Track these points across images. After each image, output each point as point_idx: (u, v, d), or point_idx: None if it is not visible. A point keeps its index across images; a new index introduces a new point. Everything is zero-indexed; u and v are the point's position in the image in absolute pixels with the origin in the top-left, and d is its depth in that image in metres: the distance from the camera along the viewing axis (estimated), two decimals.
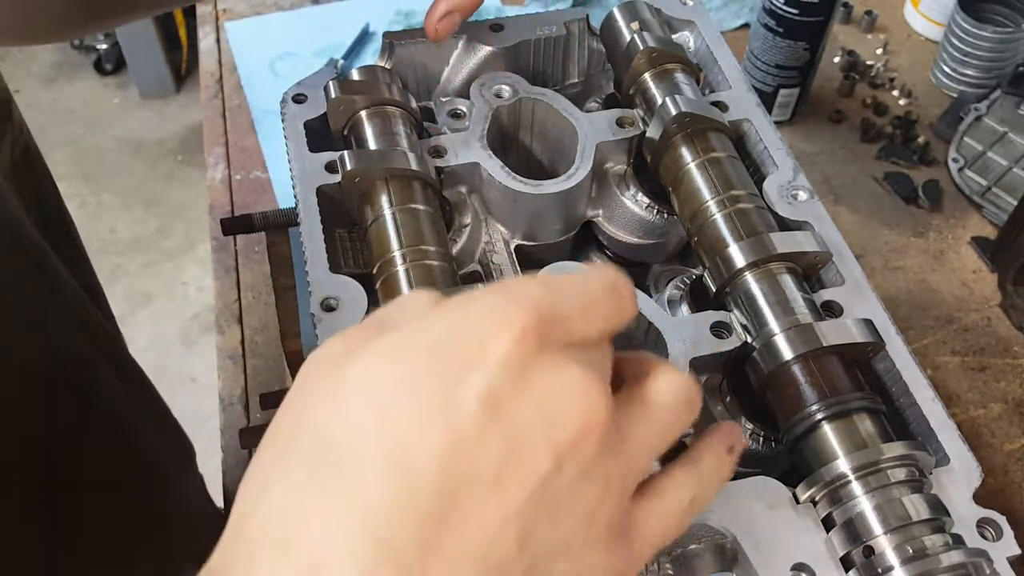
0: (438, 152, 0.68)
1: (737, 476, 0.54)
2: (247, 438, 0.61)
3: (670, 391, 0.40)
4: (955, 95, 1.27)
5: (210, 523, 1.01)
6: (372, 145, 0.66)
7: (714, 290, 0.61)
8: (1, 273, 0.73)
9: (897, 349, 0.58)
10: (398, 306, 0.38)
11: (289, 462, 0.34)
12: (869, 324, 0.58)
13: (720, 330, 0.59)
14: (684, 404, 0.40)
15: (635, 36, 0.70)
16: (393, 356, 0.35)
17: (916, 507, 0.50)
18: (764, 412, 0.59)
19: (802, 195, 0.65)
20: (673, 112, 0.65)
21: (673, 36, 0.75)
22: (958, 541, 0.50)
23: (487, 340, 0.34)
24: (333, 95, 0.68)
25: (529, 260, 0.69)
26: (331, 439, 0.33)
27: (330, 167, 0.65)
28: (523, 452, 0.34)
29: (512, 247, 0.70)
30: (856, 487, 0.51)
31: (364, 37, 1.34)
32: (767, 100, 1.21)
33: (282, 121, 0.69)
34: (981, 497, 0.52)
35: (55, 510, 0.78)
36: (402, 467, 0.32)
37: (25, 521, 0.75)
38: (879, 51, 1.35)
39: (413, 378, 0.34)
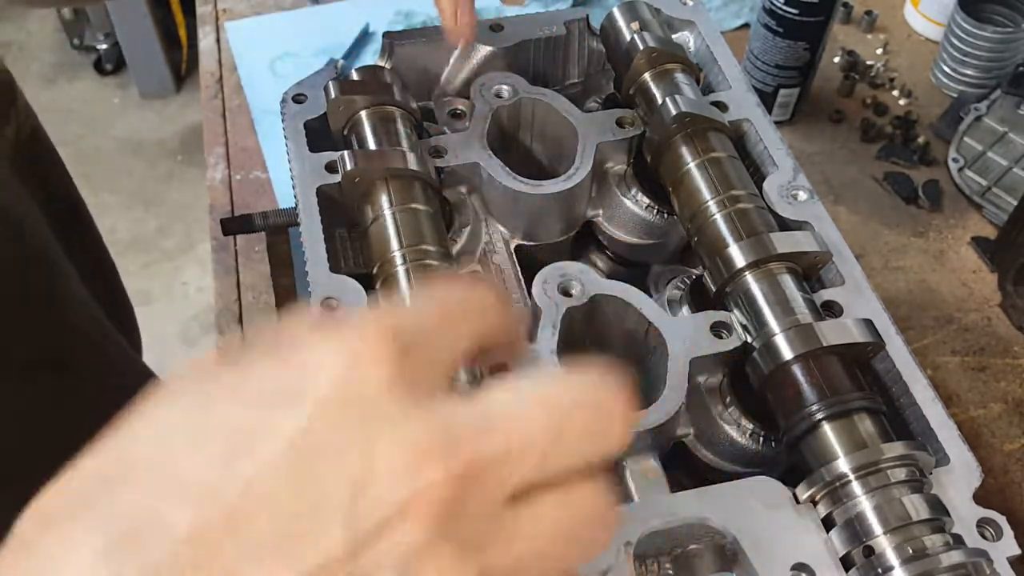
0: (438, 152, 0.68)
1: (737, 476, 0.54)
2: None
3: (587, 502, 0.31)
4: (955, 95, 1.27)
5: None
6: (372, 145, 0.66)
7: (714, 290, 0.61)
8: (2, 263, 0.73)
9: (897, 349, 0.58)
10: (267, 334, 0.32)
11: (60, 497, 0.29)
12: (869, 324, 0.58)
13: (720, 330, 0.59)
14: (597, 529, 0.32)
15: (635, 36, 0.70)
16: (208, 388, 0.30)
17: (916, 507, 0.50)
18: (764, 412, 0.59)
19: (802, 195, 0.65)
20: (673, 112, 0.65)
21: (673, 36, 0.75)
22: (958, 541, 0.50)
23: (317, 369, 0.29)
24: (333, 95, 0.68)
25: (529, 260, 0.69)
26: (108, 467, 0.29)
27: (330, 167, 0.65)
28: (309, 525, 0.27)
29: (512, 247, 0.70)
30: (856, 487, 0.51)
31: (364, 37, 1.34)
32: (767, 100, 1.21)
33: (282, 121, 0.69)
34: (981, 497, 0.52)
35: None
36: (163, 510, 0.27)
37: (20, 500, 0.74)
38: (879, 51, 1.35)
39: (222, 404, 0.29)
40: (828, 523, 0.51)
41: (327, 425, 0.28)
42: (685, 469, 0.61)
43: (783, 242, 0.60)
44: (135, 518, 0.27)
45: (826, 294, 0.60)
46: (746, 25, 1.37)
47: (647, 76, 0.70)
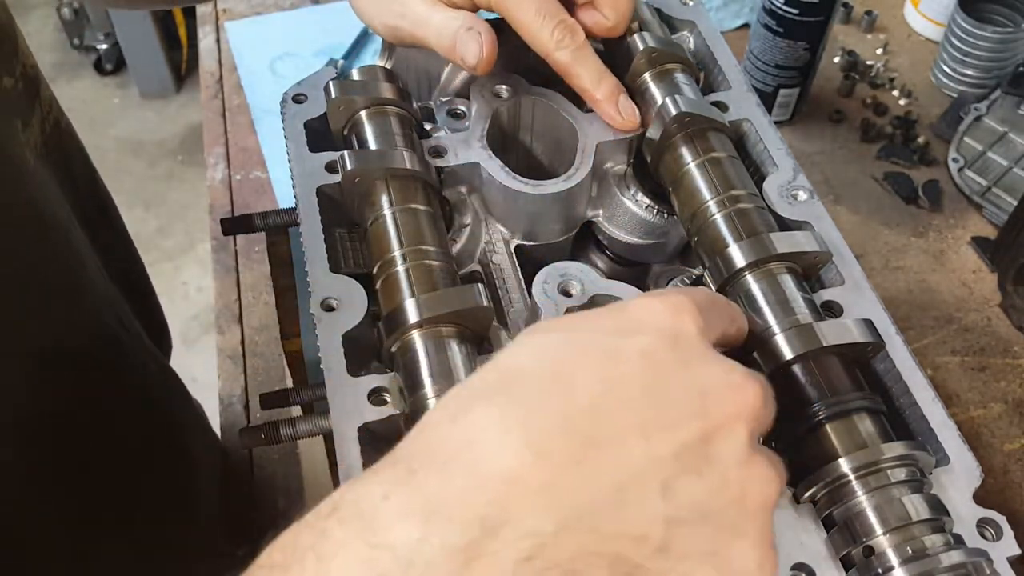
0: (438, 152, 0.68)
1: None
2: (247, 438, 0.61)
3: (777, 458, 0.44)
4: (955, 95, 1.27)
5: (212, 522, 1.02)
6: (372, 145, 0.66)
7: (714, 290, 0.61)
8: (22, 243, 0.73)
9: (897, 349, 0.58)
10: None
11: (472, 389, 0.40)
12: (869, 324, 0.58)
13: None
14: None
15: (635, 36, 0.70)
16: (572, 323, 0.42)
17: (916, 507, 0.50)
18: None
19: (802, 195, 0.65)
20: (673, 112, 0.65)
21: (673, 36, 0.75)
22: (958, 541, 0.50)
23: (649, 314, 0.41)
24: (333, 95, 0.68)
25: (529, 260, 0.69)
26: (508, 371, 0.40)
27: (330, 167, 0.65)
28: (671, 414, 0.38)
29: (512, 247, 0.70)
30: (856, 487, 0.51)
31: (364, 37, 1.34)
32: (767, 100, 1.21)
33: (282, 121, 0.69)
34: (981, 497, 0.52)
35: (72, 485, 0.78)
36: (561, 392, 0.37)
37: (40, 492, 0.75)
38: (879, 51, 1.35)
39: (586, 332, 0.40)
40: (828, 523, 0.51)
41: (667, 348, 0.39)
42: None
43: (783, 242, 0.60)
44: (538, 400, 0.37)
45: (826, 294, 0.60)
46: (746, 25, 1.37)
47: (647, 76, 0.70)
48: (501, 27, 0.73)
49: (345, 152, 0.64)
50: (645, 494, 0.36)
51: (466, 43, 0.65)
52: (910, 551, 0.49)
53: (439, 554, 0.35)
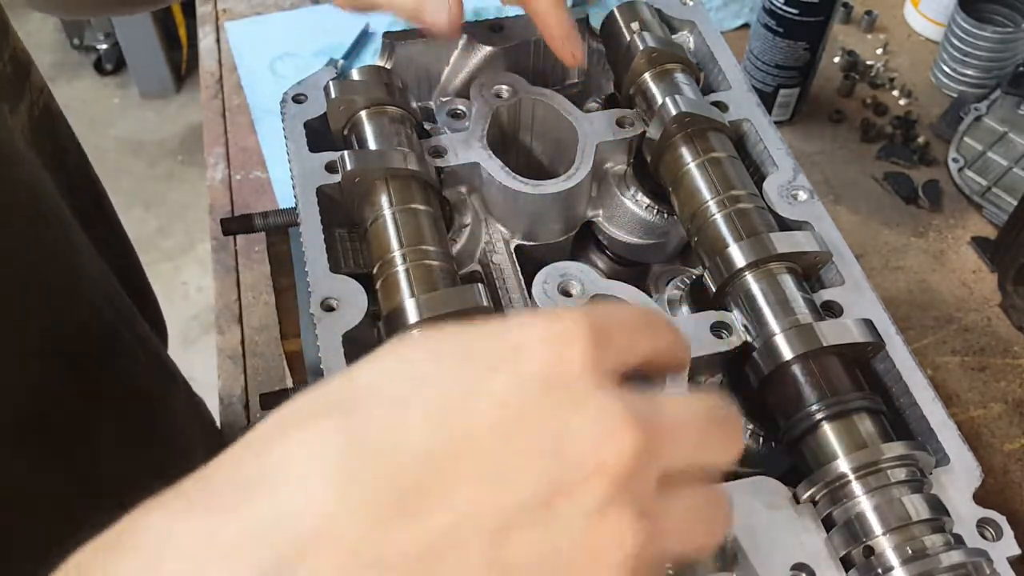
0: (438, 152, 0.68)
1: (737, 476, 0.54)
2: None
3: (713, 497, 0.38)
4: (955, 95, 1.27)
5: None
6: (372, 145, 0.66)
7: (714, 290, 0.61)
8: (20, 243, 0.73)
9: (897, 349, 0.58)
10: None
11: (308, 404, 0.35)
12: (869, 324, 0.58)
13: (720, 330, 0.59)
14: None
15: (635, 36, 0.70)
16: (442, 341, 0.36)
17: (916, 507, 0.50)
18: (764, 412, 0.59)
19: (802, 195, 0.65)
20: (673, 112, 0.65)
21: (673, 36, 0.75)
22: (958, 541, 0.50)
23: (529, 343, 0.35)
24: (333, 95, 0.68)
25: (529, 260, 0.69)
26: (352, 387, 0.35)
27: (330, 167, 0.65)
28: (515, 464, 0.32)
29: (512, 247, 0.70)
30: (856, 487, 0.51)
31: (364, 37, 1.34)
32: (767, 100, 1.21)
33: (282, 121, 0.69)
34: (981, 497, 0.52)
35: (72, 484, 0.78)
36: (398, 423, 0.33)
37: (40, 491, 0.74)
38: (879, 51, 1.35)
39: (452, 355, 0.35)
40: (828, 523, 0.51)
41: (534, 391, 0.34)
42: None
43: (783, 242, 0.60)
44: (369, 432, 0.32)
45: (826, 294, 0.60)
46: (746, 25, 1.37)
47: (647, 76, 0.70)
48: (500, 26, 0.73)
49: (345, 152, 0.64)
50: (466, 554, 0.32)
51: (435, 4, 0.64)
52: (910, 551, 0.49)
53: None
